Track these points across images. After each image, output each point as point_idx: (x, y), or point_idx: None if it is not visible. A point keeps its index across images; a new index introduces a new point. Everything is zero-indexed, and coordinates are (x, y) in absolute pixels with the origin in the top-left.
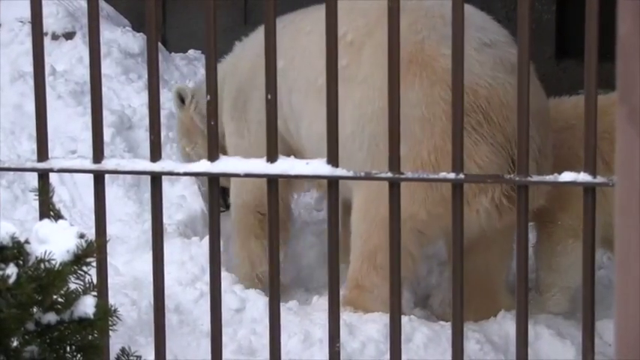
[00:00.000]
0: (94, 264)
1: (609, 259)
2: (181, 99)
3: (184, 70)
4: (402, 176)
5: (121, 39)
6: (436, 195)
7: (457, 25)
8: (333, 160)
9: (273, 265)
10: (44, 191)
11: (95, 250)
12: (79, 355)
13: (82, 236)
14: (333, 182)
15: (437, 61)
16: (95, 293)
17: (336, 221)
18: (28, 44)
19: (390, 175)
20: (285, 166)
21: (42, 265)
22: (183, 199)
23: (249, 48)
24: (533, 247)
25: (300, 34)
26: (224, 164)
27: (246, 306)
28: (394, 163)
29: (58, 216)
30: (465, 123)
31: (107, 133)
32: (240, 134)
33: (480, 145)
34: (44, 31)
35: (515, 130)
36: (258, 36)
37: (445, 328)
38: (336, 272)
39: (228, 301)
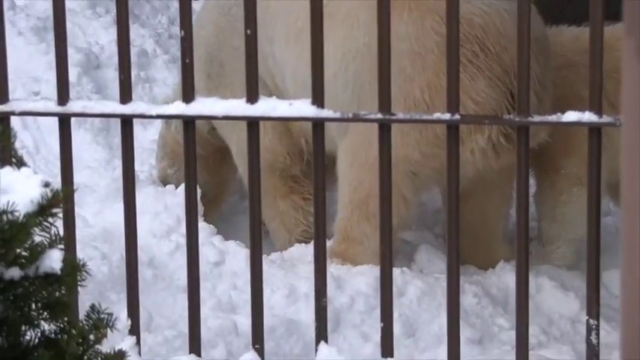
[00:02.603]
0: (61, 215)
1: (615, 205)
2: None
3: (156, 3)
4: (393, 117)
5: None
6: (430, 135)
7: None
8: (318, 100)
9: (255, 215)
10: (5, 136)
11: (62, 199)
12: (45, 313)
13: (47, 185)
14: (318, 125)
15: None
16: (62, 246)
17: (322, 167)
18: None
19: (380, 116)
20: (267, 107)
21: (4, 217)
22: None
23: (209, 12)
24: (533, 196)
25: None
26: (201, 106)
27: (226, 259)
28: (384, 103)
29: (20, 163)
30: (459, 55)
31: (72, 72)
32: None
33: (477, 80)
34: None
35: (514, 61)
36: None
37: (440, 281)
38: (322, 221)
39: (206, 253)
